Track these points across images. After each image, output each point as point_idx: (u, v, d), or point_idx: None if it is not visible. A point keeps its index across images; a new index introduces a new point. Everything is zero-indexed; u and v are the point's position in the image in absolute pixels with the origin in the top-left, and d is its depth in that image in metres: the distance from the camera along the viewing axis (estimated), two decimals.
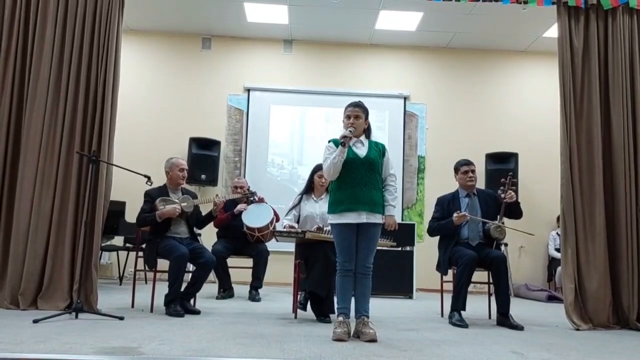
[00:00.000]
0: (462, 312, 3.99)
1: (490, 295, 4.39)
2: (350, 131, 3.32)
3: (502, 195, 4.14)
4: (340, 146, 3.27)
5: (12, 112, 4.11)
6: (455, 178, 4.37)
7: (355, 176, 3.31)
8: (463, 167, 4.30)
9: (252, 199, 5.14)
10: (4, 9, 4.18)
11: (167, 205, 4.13)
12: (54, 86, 4.10)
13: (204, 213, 4.52)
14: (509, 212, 4.17)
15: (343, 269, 3.31)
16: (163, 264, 4.11)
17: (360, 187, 3.29)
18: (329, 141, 3.44)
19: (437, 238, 4.37)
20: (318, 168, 4.33)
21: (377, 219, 3.33)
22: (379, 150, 3.44)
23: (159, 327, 3.37)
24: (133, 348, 2.69)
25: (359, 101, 3.49)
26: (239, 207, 5.18)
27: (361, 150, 3.39)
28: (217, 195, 4.67)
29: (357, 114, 3.40)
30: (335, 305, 3.38)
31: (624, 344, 3.40)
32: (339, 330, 3.15)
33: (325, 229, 4.03)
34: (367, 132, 3.48)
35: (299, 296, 4.16)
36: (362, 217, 3.28)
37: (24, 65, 4.16)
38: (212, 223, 5.02)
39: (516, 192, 4.50)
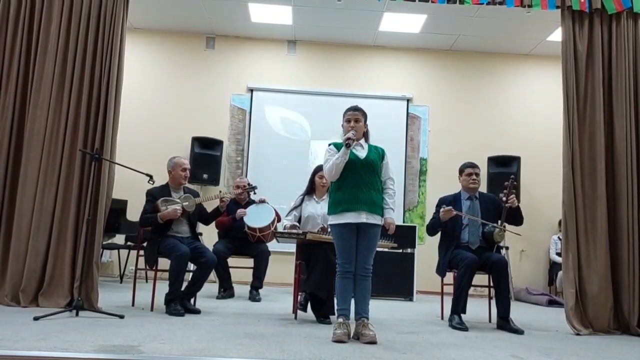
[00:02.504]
0: (463, 315, 3.98)
1: (490, 298, 4.39)
2: (353, 133, 3.33)
3: (504, 199, 4.15)
4: (343, 147, 3.29)
5: (15, 109, 4.12)
6: (459, 180, 4.38)
7: (355, 177, 3.32)
8: (467, 169, 4.32)
9: (252, 193, 5.13)
10: (9, 7, 4.19)
11: (168, 207, 4.13)
12: (57, 84, 4.11)
13: (208, 210, 4.52)
14: (510, 218, 4.17)
15: (343, 270, 3.32)
16: (164, 263, 4.12)
17: (360, 188, 3.31)
18: (330, 144, 3.47)
19: (438, 240, 4.38)
20: (318, 169, 4.35)
21: (376, 219, 3.34)
22: (378, 154, 3.46)
23: (159, 326, 3.38)
24: (133, 347, 2.70)
25: (357, 105, 3.51)
26: (239, 212, 5.17)
27: (361, 153, 3.41)
28: (220, 191, 4.68)
29: (356, 117, 3.42)
30: (335, 307, 3.38)
31: (624, 350, 3.39)
32: (339, 332, 3.16)
33: (329, 229, 4.01)
34: (366, 135, 3.50)
35: (299, 297, 4.16)
36: (362, 217, 3.29)
37: (28, 63, 4.17)
38: (214, 223, 5.04)
39: (518, 195, 4.50)
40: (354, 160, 3.34)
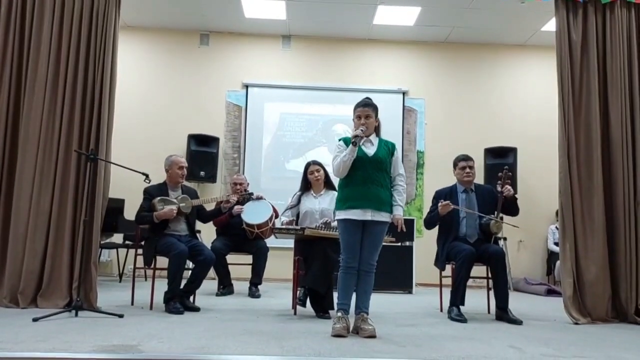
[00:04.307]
0: (461, 306, 4.00)
1: (489, 289, 4.40)
2: (362, 130, 3.31)
3: (500, 189, 4.15)
4: (350, 145, 3.27)
5: (9, 110, 4.09)
6: (454, 173, 4.37)
7: (363, 174, 3.30)
8: (461, 163, 4.30)
9: (249, 198, 5.11)
10: (0, 6, 4.16)
11: (165, 206, 4.13)
12: (51, 84, 4.09)
13: (208, 208, 4.52)
14: (506, 209, 4.18)
15: (346, 265, 3.31)
16: (163, 261, 4.12)
17: (367, 185, 3.29)
18: (339, 139, 3.45)
19: (437, 234, 4.38)
20: (308, 166, 4.37)
21: (383, 217, 3.32)
22: (388, 149, 3.42)
23: (159, 324, 3.38)
24: (133, 346, 2.70)
25: (368, 99, 3.47)
26: (237, 208, 5.16)
27: (370, 149, 3.37)
28: (222, 200, 4.67)
29: (367, 113, 3.38)
30: (335, 301, 3.38)
31: (623, 338, 3.41)
32: (338, 326, 3.16)
33: (332, 224, 3.98)
34: (377, 130, 3.47)
35: (298, 292, 4.17)
36: (367, 215, 3.27)
37: (20, 63, 4.15)
38: (212, 222, 5.04)
39: (514, 186, 4.50)
40: (362, 157, 3.31)
